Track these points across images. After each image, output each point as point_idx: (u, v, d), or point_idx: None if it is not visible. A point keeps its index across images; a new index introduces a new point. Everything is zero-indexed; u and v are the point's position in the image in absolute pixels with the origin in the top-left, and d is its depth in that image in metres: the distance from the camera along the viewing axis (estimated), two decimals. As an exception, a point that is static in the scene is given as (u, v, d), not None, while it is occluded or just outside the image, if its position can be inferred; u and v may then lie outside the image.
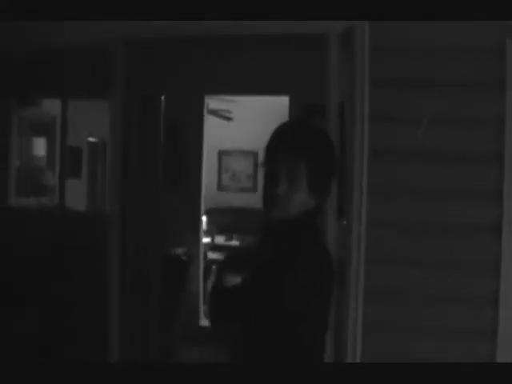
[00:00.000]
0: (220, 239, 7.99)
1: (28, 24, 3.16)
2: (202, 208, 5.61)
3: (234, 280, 1.70)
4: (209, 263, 7.53)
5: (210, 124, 8.48)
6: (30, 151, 7.95)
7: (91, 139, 8.59)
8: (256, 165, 9.20)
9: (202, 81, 5.23)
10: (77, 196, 7.03)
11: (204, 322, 5.53)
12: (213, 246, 7.86)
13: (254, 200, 9.45)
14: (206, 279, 6.16)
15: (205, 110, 5.52)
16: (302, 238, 1.63)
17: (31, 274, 4.81)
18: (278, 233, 1.66)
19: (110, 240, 2.87)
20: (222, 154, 9.50)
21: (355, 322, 2.14)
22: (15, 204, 6.36)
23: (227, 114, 7.96)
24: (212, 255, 7.82)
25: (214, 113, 7.85)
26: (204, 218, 8.17)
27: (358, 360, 2.15)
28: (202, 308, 5.55)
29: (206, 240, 7.80)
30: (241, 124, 8.72)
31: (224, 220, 8.87)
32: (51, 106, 6.40)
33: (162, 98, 3.97)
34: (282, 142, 1.64)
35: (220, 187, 9.60)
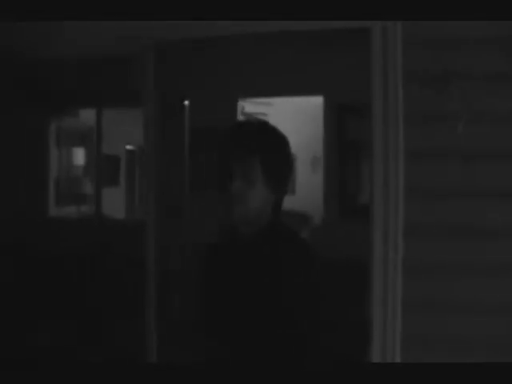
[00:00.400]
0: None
1: (59, 33, 3.16)
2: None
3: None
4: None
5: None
6: (70, 161, 8.08)
7: (129, 147, 8.68)
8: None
9: (234, 84, 5.17)
10: (115, 204, 7.08)
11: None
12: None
13: (292, 203, 9.44)
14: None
15: (239, 114, 5.45)
16: (280, 240, 1.61)
17: (69, 282, 4.85)
18: (247, 235, 1.63)
19: (148, 247, 2.84)
20: (259, 158, 9.44)
21: (394, 331, 2.02)
22: (55, 213, 6.44)
23: (263, 117, 7.89)
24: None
25: (249, 116, 7.80)
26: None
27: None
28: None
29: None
30: (278, 126, 8.64)
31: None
32: (88, 116, 6.46)
33: (186, 102, 3.92)
34: (234, 139, 1.63)
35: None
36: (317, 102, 5.48)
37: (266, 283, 1.55)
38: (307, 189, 8.73)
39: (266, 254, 1.60)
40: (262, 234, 1.62)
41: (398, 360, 2.00)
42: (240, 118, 7.73)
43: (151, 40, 2.78)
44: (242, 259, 1.65)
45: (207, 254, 1.80)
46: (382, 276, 2.00)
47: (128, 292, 3.98)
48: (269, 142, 1.62)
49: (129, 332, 3.73)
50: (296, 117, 8.72)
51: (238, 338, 1.58)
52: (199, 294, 1.74)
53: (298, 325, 1.53)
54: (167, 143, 3.33)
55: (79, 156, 8.17)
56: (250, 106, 7.59)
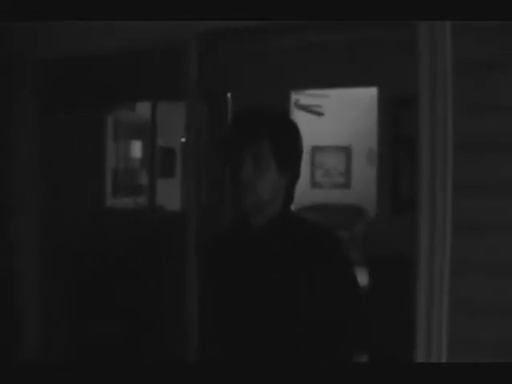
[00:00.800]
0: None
1: (111, 29, 3.20)
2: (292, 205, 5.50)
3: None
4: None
5: (302, 120, 8.41)
6: (128, 154, 8.27)
7: (184, 140, 8.80)
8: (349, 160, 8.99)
9: (287, 76, 5.13)
10: (171, 195, 7.19)
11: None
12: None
13: (348, 196, 9.36)
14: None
15: (291, 106, 5.41)
16: (293, 230, 1.57)
17: (122, 273, 4.93)
18: (258, 225, 1.57)
19: (188, 238, 2.86)
20: (314, 150, 9.37)
21: (440, 331, 1.96)
22: (111, 204, 6.61)
23: (318, 109, 7.82)
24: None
25: (304, 108, 7.75)
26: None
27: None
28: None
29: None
30: (333, 119, 8.56)
31: (317, 217, 8.75)
32: (145, 110, 6.57)
33: (228, 95, 3.91)
34: (242, 125, 1.59)
35: (313, 184, 9.47)
36: (372, 93, 5.38)
37: (278, 276, 1.50)
38: (362, 182, 8.64)
39: (278, 244, 1.55)
40: (274, 224, 1.58)
41: (443, 360, 1.93)
42: (294, 110, 7.69)
43: (196, 30, 2.77)
44: (252, 250, 1.60)
45: (215, 246, 1.76)
46: (428, 273, 1.94)
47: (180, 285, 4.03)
48: (278, 126, 1.59)
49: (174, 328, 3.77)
50: (351, 109, 8.62)
51: (249, 335, 1.53)
52: (207, 288, 1.71)
53: (309, 322, 1.48)
54: (211, 136, 3.33)
55: (136, 149, 8.34)
56: (306, 98, 7.55)
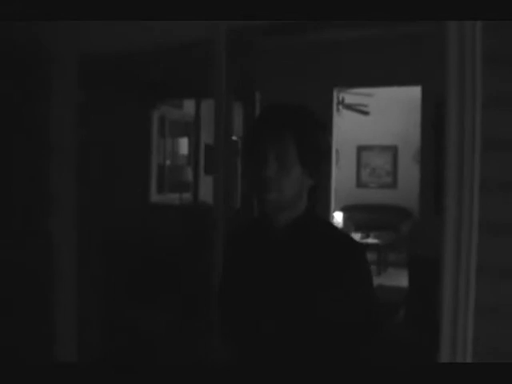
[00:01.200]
0: (356, 237, 7.80)
1: (154, 26, 3.26)
2: (333, 205, 5.49)
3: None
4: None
5: (348, 119, 8.35)
6: (176, 150, 8.41)
7: (233, 138, 8.87)
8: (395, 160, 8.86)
9: (330, 74, 5.10)
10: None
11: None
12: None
13: (394, 196, 9.23)
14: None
15: (334, 104, 5.38)
16: (316, 232, 1.52)
17: (165, 268, 5.01)
18: (281, 225, 1.53)
19: (216, 233, 2.88)
20: (361, 150, 9.29)
21: (465, 334, 1.92)
22: (157, 200, 6.73)
23: (363, 108, 7.75)
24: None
25: (349, 107, 7.68)
26: (341, 215, 8.05)
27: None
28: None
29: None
30: (379, 118, 8.47)
31: (362, 217, 8.68)
32: (192, 107, 6.65)
33: (257, 94, 3.91)
34: (266, 122, 1.53)
35: (359, 184, 9.40)
36: (417, 93, 5.30)
37: (292, 276, 1.47)
38: (409, 182, 8.50)
39: (297, 246, 1.52)
40: (296, 225, 1.54)
41: (468, 360, 1.89)
42: (339, 109, 7.64)
43: (227, 27, 2.78)
44: (271, 250, 1.56)
45: (232, 242, 1.72)
46: (454, 275, 1.90)
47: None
48: (304, 124, 1.52)
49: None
50: (398, 108, 8.50)
51: (260, 334, 1.51)
52: (224, 289, 1.67)
53: (320, 324, 1.45)
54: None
55: (183, 146, 8.47)
56: (350, 97, 7.48)
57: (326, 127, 1.61)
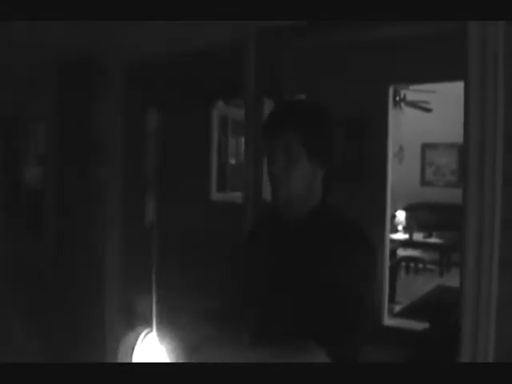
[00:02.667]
0: (418, 236, 7.66)
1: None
2: (389, 203, 5.44)
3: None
4: (400, 260, 7.31)
5: (412, 116, 8.21)
6: (240, 149, 8.55)
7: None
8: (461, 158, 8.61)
9: (384, 72, 5.05)
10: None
11: (388, 321, 5.37)
12: (409, 243, 7.59)
13: (459, 196, 8.93)
14: (393, 277, 6.00)
15: (390, 102, 5.32)
16: (331, 227, 1.51)
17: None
18: (293, 220, 1.55)
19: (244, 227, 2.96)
20: (425, 148, 9.11)
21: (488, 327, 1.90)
22: (218, 198, 6.86)
23: (425, 105, 7.60)
24: (404, 252, 7.56)
25: (412, 105, 7.57)
26: (403, 214, 7.93)
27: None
28: (387, 307, 5.40)
29: (403, 236, 7.57)
30: (443, 115, 8.27)
31: (426, 216, 8.52)
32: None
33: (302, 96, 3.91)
34: (274, 118, 1.56)
35: (423, 182, 9.22)
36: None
37: (311, 272, 1.45)
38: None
39: (313, 239, 1.50)
40: (310, 217, 1.54)
41: (490, 360, 1.87)
42: (401, 106, 7.53)
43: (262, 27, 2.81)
44: (288, 244, 1.56)
45: (247, 243, 1.72)
46: (476, 273, 1.89)
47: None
48: (308, 115, 1.53)
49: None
50: (461, 105, 8.23)
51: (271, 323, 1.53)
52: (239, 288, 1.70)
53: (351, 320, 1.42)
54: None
55: (246, 145, 8.58)
56: (412, 94, 7.37)
57: (330, 116, 1.58)
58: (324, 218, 1.55)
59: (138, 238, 4.34)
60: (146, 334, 1.33)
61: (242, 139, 8.74)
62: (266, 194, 6.21)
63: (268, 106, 5.56)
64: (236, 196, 7.67)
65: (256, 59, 3.20)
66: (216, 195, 6.83)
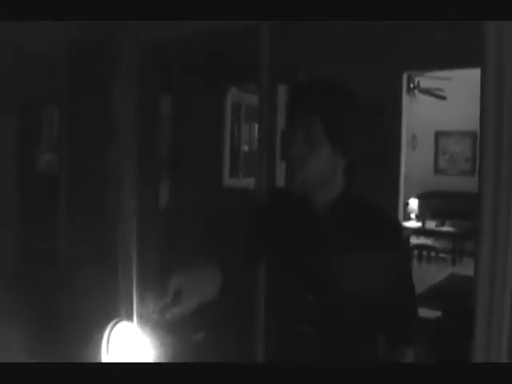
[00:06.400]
0: (431, 224, 7.63)
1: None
2: (402, 191, 5.40)
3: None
4: (412, 248, 7.29)
5: (426, 104, 8.14)
6: (253, 136, 8.54)
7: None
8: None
9: (400, 56, 5.00)
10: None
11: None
12: (422, 231, 7.56)
13: (473, 184, 8.84)
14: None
15: (404, 89, 5.26)
16: (355, 215, 1.47)
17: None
18: (314, 208, 1.48)
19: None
20: (439, 135, 9.04)
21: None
22: (231, 184, 6.87)
23: (440, 93, 7.54)
24: (416, 240, 7.55)
25: (426, 92, 7.50)
26: (416, 202, 7.89)
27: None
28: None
29: (416, 225, 7.54)
30: (457, 102, 8.19)
31: (439, 204, 8.47)
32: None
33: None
34: (295, 99, 1.47)
35: (436, 170, 9.16)
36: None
37: (342, 259, 1.40)
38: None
39: (341, 228, 1.45)
40: (333, 208, 1.48)
41: (504, 360, 1.86)
42: (415, 93, 7.46)
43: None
44: (314, 233, 1.50)
45: (270, 225, 1.60)
46: (490, 261, 1.87)
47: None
48: (332, 100, 1.44)
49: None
50: (476, 92, 8.14)
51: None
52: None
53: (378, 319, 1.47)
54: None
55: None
56: (426, 81, 7.30)
57: (356, 103, 1.50)
58: (353, 207, 1.50)
59: (152, 223, 4.38)
60: (115, 324, 1.31)
61: (256, 125, 8.75)
62: (280, 180, 6.21)
63: (282, 92, 5.56)
64: (249, 182, 7.69)
65: (270, 44, 3.17)
66: (229, 181, 6.84)
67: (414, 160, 8.33)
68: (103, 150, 3.95)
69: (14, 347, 2.80)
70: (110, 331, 1.29)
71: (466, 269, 7.27)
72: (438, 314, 4.43)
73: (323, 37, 4.23)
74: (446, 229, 7.59)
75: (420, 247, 7.74)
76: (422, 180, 8.71)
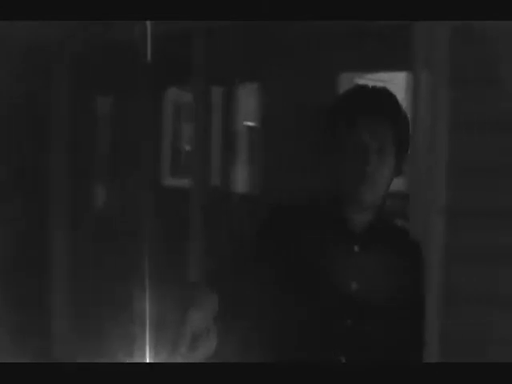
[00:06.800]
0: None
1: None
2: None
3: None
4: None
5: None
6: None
7: (248, 123, 8.87)
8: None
9: (336, 58, 5.06)
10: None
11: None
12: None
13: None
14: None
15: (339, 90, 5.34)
16: (391, 235, 1.43)
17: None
18: (358, 227, 1.37)
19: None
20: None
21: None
22: (171, 184, 6.80)
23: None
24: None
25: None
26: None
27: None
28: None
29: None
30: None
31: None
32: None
33: None
34: (362, 107, 1.31)
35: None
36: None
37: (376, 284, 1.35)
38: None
39: (377, 253, 1.37)
40: (370, 229, 1.38)
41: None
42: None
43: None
44: (347, 260, 1.37)
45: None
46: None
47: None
48: (399, 110, 1.34)
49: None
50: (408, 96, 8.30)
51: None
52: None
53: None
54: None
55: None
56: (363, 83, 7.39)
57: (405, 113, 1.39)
58: (384, 228, 1.43)
59: (86, 226, 4.30)
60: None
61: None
62: (214, 180, 6.19)
63: (216, 94, 5.58)
64: (187, 182, 7.61)
65: (204, 46, 3.19)
66: (169, 181, 6.79)
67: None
68: (35, 151, 3.87)
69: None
70: None
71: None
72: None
73: (260, 39, 4.26)
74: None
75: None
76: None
